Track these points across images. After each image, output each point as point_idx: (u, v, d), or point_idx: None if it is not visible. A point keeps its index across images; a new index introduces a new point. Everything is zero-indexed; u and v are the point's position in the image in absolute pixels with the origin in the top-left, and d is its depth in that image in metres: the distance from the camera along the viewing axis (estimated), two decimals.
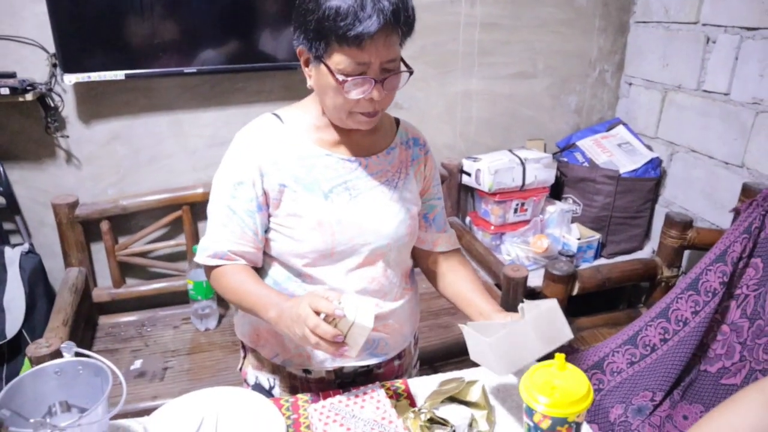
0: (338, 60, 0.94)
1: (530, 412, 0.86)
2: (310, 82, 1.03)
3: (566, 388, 0.84)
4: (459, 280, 1.23)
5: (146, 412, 1.05)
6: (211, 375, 1.86)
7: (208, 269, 1.11)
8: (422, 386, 1.12)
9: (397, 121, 1.21)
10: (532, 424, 0.86)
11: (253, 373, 1.23)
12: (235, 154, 1.07)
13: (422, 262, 1.31)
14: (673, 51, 2.31)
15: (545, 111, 2.59)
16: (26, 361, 1.55)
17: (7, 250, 1.91)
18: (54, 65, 1.87)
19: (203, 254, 1.09)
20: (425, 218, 1.25)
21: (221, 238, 1.07)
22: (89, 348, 1.98)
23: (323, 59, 0.96)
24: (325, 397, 1.07)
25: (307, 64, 1.02)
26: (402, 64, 1.00)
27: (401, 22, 0.92)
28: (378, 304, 1.13)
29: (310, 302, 0.91)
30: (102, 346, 1.99)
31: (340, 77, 0.94)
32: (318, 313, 0.90)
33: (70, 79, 1.82)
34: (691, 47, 2.21)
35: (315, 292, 0.95)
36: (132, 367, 1.87)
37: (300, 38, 0.99)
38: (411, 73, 1.01)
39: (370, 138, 1.13)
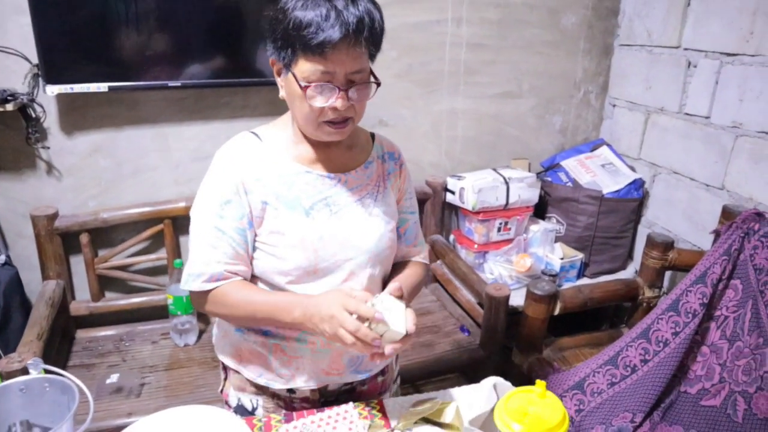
0: (304, 68, 0.95)
1: None
2: (282, 93, 1.04)
3: (539, 416, 0.83)
4: (393, 277, 1.21)
5: (121, 429, 1.02)
6: (189, 392, 1.83)
7: (202, 294, 1.06)
8: (397, 406, 1.11)
9: (373, 136, 1.21)
10: None
11: (235, 394, 1.21)
12: (218, 173, 1.06)
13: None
14: (655, 74, 2.34)
15: (530, 131, 2.61)
16: None
17: None
18: (36, 76, 1.86)
19: (198, 281, 1.04)
20: (396, 231, 1.24)
21: (212, 260, 1.04)
22: (65, 362, 1.94)
23: (290, 68, 0.97)
24: (298, 417, 1.05)
25: (279, 74, 1.03)
26: (371, 77, 1.01)
27: (365, 34, 0.93)
28: None
29: (343, 303, 0.93)
30: (78, 360, 1.96)
31: (304, 84, 0.96)
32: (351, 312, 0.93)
33: (53, 90, 1.81)
34: (673, 71, 2.24)
35: (345, 290, 0.97)
36: (108, 381, 1.83)
37: (271, 48, 1.00)
38: (378, 84, 1.02)
39: (347, 153, 1.13)
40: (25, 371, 1.40)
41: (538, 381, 0.88)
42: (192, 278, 1.05)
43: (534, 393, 0.87)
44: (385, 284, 1.20)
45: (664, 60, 2.29)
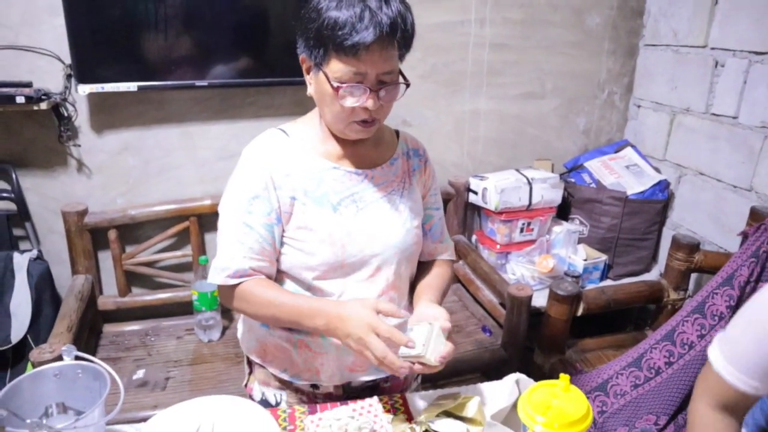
0: (335, 68, 0.96)
1: (524, 427, 0.85)
2: (310, 90, 1.06)
3: (562, 410, 0.83)
4: (422, 278, 1.21)
5: (146, 420, 1.05)
6: (212, 386, 1.86)
7: (228, 289, 1.07)
8: (420, 400, 1.11)
9: (397, 133, 1.22)
10: None
11: (259, 388, 1.22)
12: (247, 168, 1.07)
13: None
14: (681, 74, 2.32)
15: (553, 131, 2.60)
16: (29, 366, 1.56)
17: (16, 255, 1.93)
18: (69, 76, 1.91)
19: (222, 275, 1.05)
20: (422, 228, 1.24)
21: (238, 255, 1.05)
22: (92, 355, 1.98)
23: (322, 67, 0.98)
24: (322, 409, 1.06)
25: (308, 72, 1.05)
26: (400, 77, 1.02)
27: (398, 35, 0.94)
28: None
29: (373, 326, 0.93)
30: (105, 354, 2.00)
31: (336, 84, 0.97)
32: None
33: (84, 89, 1.86)
34: (699, 71, 2.21)
35: (373, 304, 0.95)
36: (134, 377, 1.87)
37: (302, 46, 1.02)
38: (408, 85, 1.03)
39: (374, 150, 1.14)
40: (55, 361, 1.45)
41: (561, 375, 0.88)
42: (217, 272, 1.07)
43: (558, 386, 0.87)
44: (413, 285, 1.21)
45: (690, 60, 2.26)
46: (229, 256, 1.06)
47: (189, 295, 2.09)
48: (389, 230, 1.11)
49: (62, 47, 1.85)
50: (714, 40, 2.14)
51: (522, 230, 2.37)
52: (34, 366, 1.47)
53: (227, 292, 1.08)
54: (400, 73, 1.02)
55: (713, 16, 2.14)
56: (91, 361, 0.95)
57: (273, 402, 1.20)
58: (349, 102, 0.98)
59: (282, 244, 1.09)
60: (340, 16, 0.92)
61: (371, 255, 1.09)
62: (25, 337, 1.86)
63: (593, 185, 2.42)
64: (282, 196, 1.06)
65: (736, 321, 0.98)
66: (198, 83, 1.99)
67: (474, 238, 2.54)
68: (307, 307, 1.02)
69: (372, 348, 0.92)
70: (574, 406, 0.84)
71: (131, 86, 1.91)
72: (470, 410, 1.02)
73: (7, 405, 0.84)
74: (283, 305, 1.03)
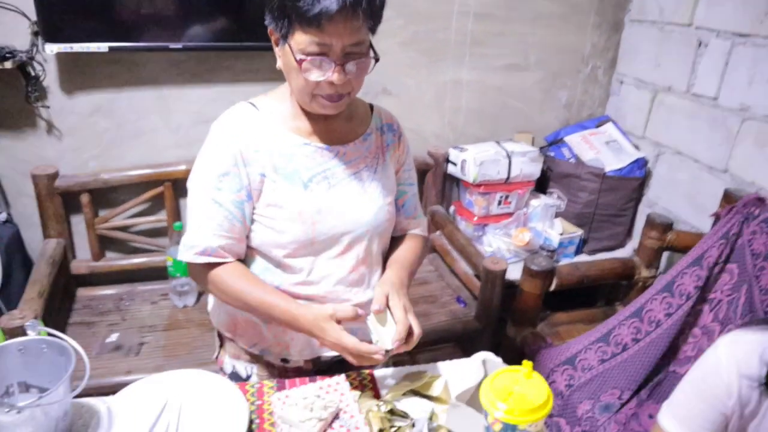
0: (300, 40, 0.94)
1: (486, 413, 0.87)
2: (279, 63, 1.03)
3: (523, 396, 0.85)
4: (392, 252, 1.22)
5: (120, 386, 1.05)
6: (186, 352, 1.86)
7: (198, 267, 1.06)
8: (388, 377, 1.13)
9: (371, 107, 1.20)
10: (486, 424, 0.87)
11: (230, 362, 1.23)
12: (216, 144, 1.04)
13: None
14: (665, 52, 2.30)
15: (535, 104, 2.58)
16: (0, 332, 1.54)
17: None
18: (36, 33, 1.83)
19: (190, 252, 1.04)
20: (395, 204, 1.24)
21: (208, 233, 1.03)
22: (66, 320, 1.97)
23: (287, 39, 0.96)
24: (290, 386, 1.07)
25: (276, 44, 1.02)
26: (371, 51, 0.99)
27: (363, 5, 0.91)
28: (357, 292, 1.14)
29: (342, 344, 0.98)
30: (78, 318, 1.99)
31: (299, 56, 0.94)
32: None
33: (52, 48, 1.79)
34: (683, 49, 2.20)
35: (331, 314, 1.00)
36: (108, 340, 1.87)
37: (268, 17, 0.98)
38: (377, 60, 1.00)
39: (346, 125, 1.12)
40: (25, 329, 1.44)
41: (525, 361, 0.89)
42: (185, 249, 1.05)
43: (520, 372, 0.89)
44: (384, 260, 1.21)
45: (674, 38, 2.25)
46: (198, 233, 1.04)
47: (163, 260, 2.07)
48: (361, 207, 1.10)
49: (28, 2, 1.77)
50: (699, 19, 2.12)
51: (500, 203, 2.38)
52: (3, 332, 1.46)
53: (196, 269, 1.07)
54: (371, 46, 0.99)
55: None
56: (58, 337, 0.94)
57: (243, 375, 1.21)
58: (314, 75, 0.96)
59: (252, 221, 1.07)
60: None
61: (342, 233, 1.08)
62: None
63: (572, 160, 2.43)
64: (251, 172, 1.04)
65: (680, 387, 1.05)
66: (172, 46, 1.92)
67: (452, 209, 2.54)
68: (278, 313, 1.04)
69: (347, 358, 0.99)
70: (534, 393, 0.86)
71: (102, 46, 1.84)
72: (436, 389, 1.04)
73: None
74: (256, 303, 1.05)
